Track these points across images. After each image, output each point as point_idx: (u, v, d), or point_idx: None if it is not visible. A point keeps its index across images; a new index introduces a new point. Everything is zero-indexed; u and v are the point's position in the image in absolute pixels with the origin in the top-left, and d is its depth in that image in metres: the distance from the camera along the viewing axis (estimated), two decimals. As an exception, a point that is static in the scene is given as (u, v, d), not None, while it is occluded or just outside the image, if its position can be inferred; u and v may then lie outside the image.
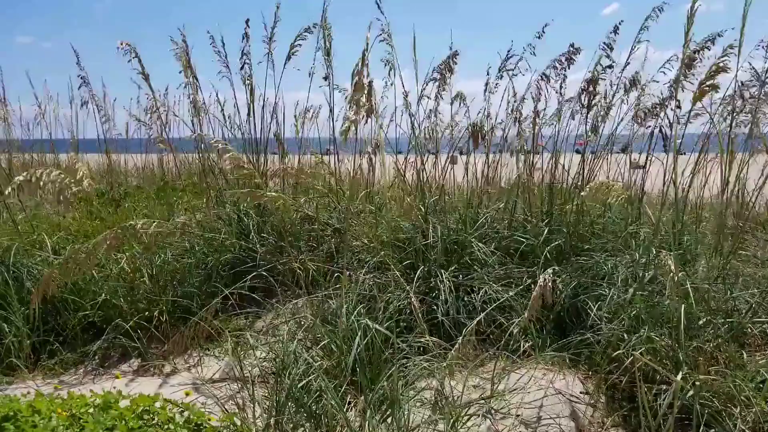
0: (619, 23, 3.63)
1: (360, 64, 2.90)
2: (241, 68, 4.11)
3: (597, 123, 3.80)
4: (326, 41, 3.94)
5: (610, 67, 3.64)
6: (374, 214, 3.89)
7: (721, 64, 2.75)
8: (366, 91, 2.68)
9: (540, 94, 3.88)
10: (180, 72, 4.06)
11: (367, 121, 2.97)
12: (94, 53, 5.26)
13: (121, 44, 3.76)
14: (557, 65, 3.75)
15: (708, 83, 2.75)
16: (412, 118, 3.82)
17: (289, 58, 3.97)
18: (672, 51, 3.51)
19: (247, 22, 4.02)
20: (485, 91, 3.98)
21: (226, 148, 2.83)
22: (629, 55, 3.59)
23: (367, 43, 2.91)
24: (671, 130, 3.53)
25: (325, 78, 4.10)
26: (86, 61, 4.77)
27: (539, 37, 3.79)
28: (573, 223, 3.71)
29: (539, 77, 3.85)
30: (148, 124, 3.72)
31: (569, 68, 3.76)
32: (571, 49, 3.71)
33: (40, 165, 6.07)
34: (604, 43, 3.62)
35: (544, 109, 3.96)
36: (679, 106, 3.39)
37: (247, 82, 4.12)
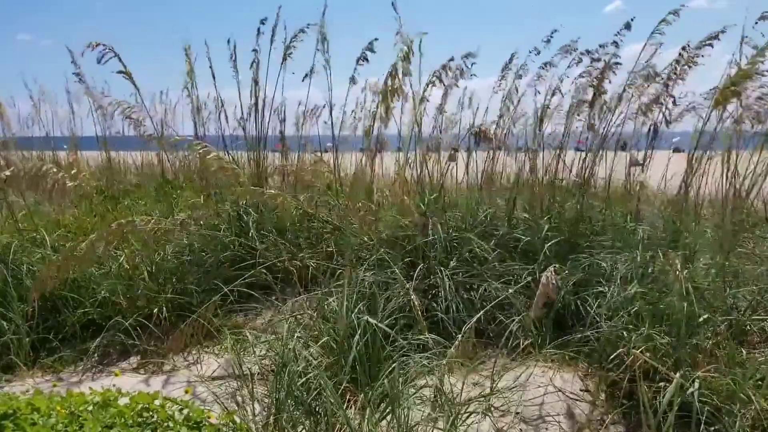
0: (631, 20, 3.68)
1: (398, 70, 2.91)
2: (250, 67, 4.10)
3: (597, 119, 3.80)
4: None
5: (617, 63, 3.67)
6: (374, 211, 3.87)
7: (750, 70, 2.64)
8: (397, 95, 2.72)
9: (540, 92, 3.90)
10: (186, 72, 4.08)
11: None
12: (93, 51, 5.25)
13: (92, 45, 3.32)
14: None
15: (732, 88, 2.67)
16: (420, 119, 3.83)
17: (284, 58, 3.97)
18: (676, 50, 3.52)
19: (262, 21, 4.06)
20: (494, 90, 4.03)
21: (207, 149, 2.79)
22: (641, 51, 3.61)
23: (408, 49, 2.93)
24: (668, 125, 3.53)
25: (353, 80, 4.11)
26: (86, 59, 4.74)
27: (548, 41, 3.87)
28: (573, 220, 3.70)
29: (536, 77, 3.89)
30: (139, 121, 3.70)
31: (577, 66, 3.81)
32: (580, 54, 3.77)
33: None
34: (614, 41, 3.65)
35: (546, 106, 3.97)
36: (675, 103, 3.39)
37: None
